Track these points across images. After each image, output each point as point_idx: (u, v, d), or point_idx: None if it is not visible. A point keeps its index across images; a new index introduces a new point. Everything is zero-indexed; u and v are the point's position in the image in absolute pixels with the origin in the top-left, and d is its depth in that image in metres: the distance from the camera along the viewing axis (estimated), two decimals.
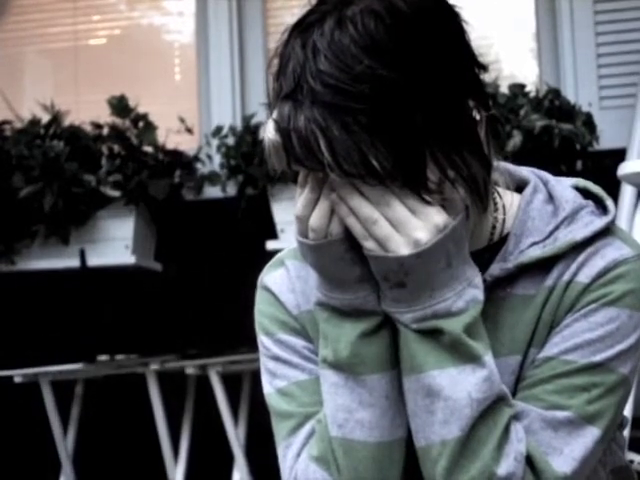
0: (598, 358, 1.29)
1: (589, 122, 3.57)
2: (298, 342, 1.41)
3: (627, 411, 2.36)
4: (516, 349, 1.33)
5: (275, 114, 1.23)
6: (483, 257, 1.33)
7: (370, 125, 1.19)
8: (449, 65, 1.24)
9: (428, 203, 1.23)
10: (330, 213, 1.27)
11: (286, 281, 1.43)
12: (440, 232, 1.24)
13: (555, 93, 3.62)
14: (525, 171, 1.42)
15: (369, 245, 1.25)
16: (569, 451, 1.27)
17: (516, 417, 1.28)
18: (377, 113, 1.19)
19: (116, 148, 3.78)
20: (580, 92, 3.70)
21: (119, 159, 3.76)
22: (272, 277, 1.44)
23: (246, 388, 3.62)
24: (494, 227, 1.37)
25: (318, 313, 1.33)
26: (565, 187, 1.39)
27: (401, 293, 1.26)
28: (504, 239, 1.35)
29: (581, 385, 1.29)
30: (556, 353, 1.30)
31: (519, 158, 3.26)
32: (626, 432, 2.34)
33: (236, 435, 3.44)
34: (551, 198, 1.37)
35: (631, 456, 2.44)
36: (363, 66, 1.19)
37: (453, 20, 1.28)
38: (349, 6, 1.22)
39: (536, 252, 1.33)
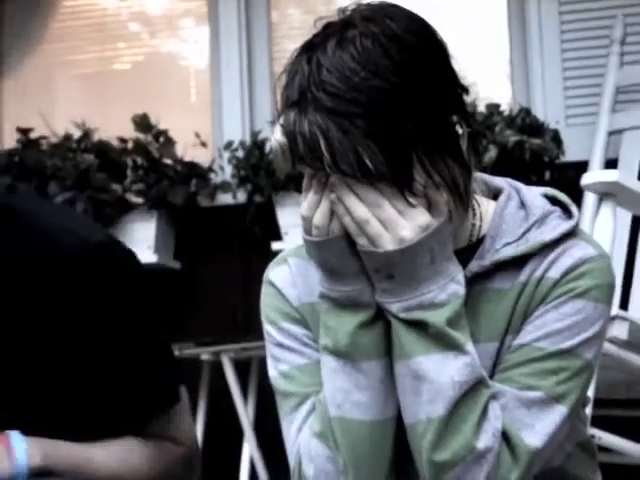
0: (566, 345, 1.30)
1: (556, 138, 3.57)
2: (299, 330, 1.41)
3: (590, 392, 2.36)
4: (493, 336, 1.33)
5: (282, 119, 1.25)
6: (463, 256, 1.33)
7: (365, 128, 1.20)
8: (435, 80, 1.26)
9: (414, 205, 1.24)
10: (331, 213, 1.27)
11: (288, 276, 1.43)
12: (424, 231, 1.25)
13: (526, 112, 3.63)
14: (500, 181, 1.43)
15: (362, 241, 1.26)
16: (540, 427, 1.28)
17: (494, 397, 1.29)
18: (371, 118, 1.20)
19: (139, 160, 3.78)
20: (548, 111, 3.70)
21: (142, 170, 3.76)
22: (276, 273, 1.45)
23: (254, 372, 3.61)
24: (472, 229, 1.37)
25: (320, 305, 1.34)
26: (535, 195, 1.39)
27: (390, 285, 1.27)
28: (481, 240, 1.36)
29: (551, 369, 1.29)
30: (529, 340, 1.31)
31: (495, 170, 3.27)
32: (588, 410, 2.35)
33: (246, 413, 3.45)
34: (523, 205, 1.38)
35: (593, 431, 2.44)
36: (360, 77, 1.21)
37: (439, 45, 1.29)
38: (349, 29, 1.24)
39: (509, 251, 1.33)
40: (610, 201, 2.47)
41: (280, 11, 4.19)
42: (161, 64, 4.30)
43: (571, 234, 1.35)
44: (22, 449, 1.43)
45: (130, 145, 3.82)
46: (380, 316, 1.30)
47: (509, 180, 1.43)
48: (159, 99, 4.16)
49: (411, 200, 1.24)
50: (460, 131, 1.28)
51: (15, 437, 1.44)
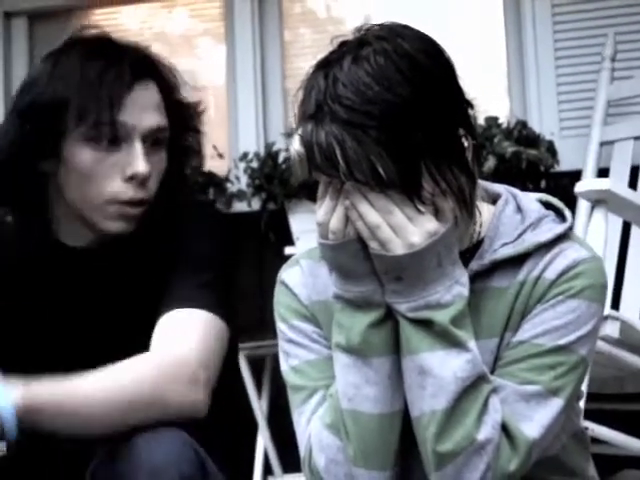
0: (562, 341, 1.30)
1: (551, 148, 3.57)
2: (309, 327, 1.41)
3: (584, 386, 2.36)
4: (494, 333, 1.34)
5: (300, 130, 1.25)
6: (465, 256, 1.33)
7: (378, 139, 1.21)
8: (443, 95, 1.27)
9: (423, 212, 1.25)
10: (345, 218, 1.28)
11: (300, 277, 1.44)
12: (431, 237, 1.25)
13: (523, 124, 3.63)
14: (498, 187, 1.44)
15: (373, 245, 1.27)
16: (538, 419, 1.29)
17: (494, 391, 1.29)
18: (384, 129, 1.21)
19: None
20: (543, 124, 3.70)
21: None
22: (288, 274, 1.45)
23: (268, 368, 3.61)
24: (473, 232, 1.38)
25: (334, 305, 1.34)
26: (531, 200, 1.40)
27: (399, 286, 1.27)
28: (481, 242, 1.36)
29: (548, 364, 1.29)
30: (528, 337, 1.31)
31: (493, 178, 3.25)
32: (582, 404, 2.34)
33: (260, 407, 3.45)
34: (519, 209, 1.38)
35: (586, 424, 2.44)
36: (373, 91, 1.22)
37: (447, 62, 1.30)
38: (364, 47, 1.25)
39: (507, 251, 1.34)
40: (602, 207, 2.48)
41: (292, 31, 4.20)
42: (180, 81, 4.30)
43: (565, 237, 1.35)
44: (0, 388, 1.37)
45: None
46: (390, 316, 1.31)
47: (506, 187, 1.44)
48: None
49: (420, 207, 1.25)
50: (466, 143, 1.29)
51: None
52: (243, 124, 4.02)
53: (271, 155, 3.77)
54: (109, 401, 1.42)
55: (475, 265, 1.33)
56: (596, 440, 2.56)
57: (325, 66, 1.27)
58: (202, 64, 4.35)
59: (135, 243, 1.61)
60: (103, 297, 1.63)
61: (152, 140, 1.58)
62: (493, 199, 1.42)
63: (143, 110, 1.56)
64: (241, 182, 3.86)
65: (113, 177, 1.55)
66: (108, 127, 1.53)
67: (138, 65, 1.58)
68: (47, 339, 1.63)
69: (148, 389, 1.45)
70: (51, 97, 1.53)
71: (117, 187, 1.56)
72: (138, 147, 1.55)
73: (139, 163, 1.54)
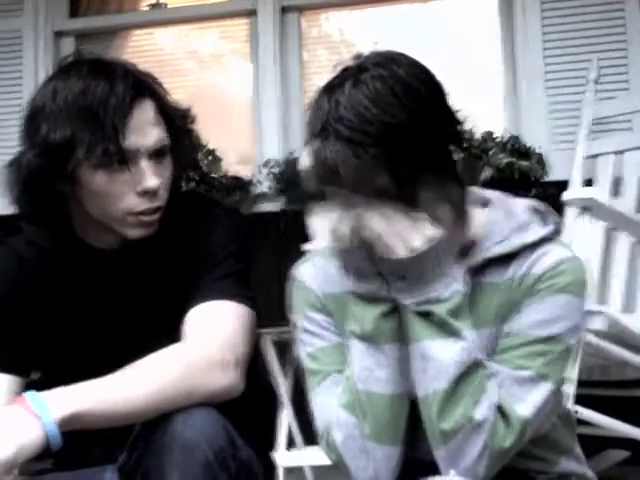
0: (550, 332, 1.32)
1: (541, 160, 3.58)
2: (321, 317, 1.43)
3: (574, 373, 2.36)
4: (488, 323, 1.35)
5: (308, 148, 1.27)
6: (460, 255, 1.35)
7: (376, 155, 1.22)
8: (435, 115, 1.28)
9: (422, 219, 1.26)
10: (353, 226, 1.29)
11: (312, 272, 1.45)
12: (431, 241, 1.27)
13: (516, 139, 3.64)
14: (489, 193, 1.45)
15: (378, 250, 1.28)
16: (530, 400, 1.30)
17: (490, 375, 1.30)
18: (382, 147, 1.22)
19: (191, 174, 3.77)
20: (534, 138, 3.69)
21: (194, 183, 3.76)
22: (301, 270, 1.47)
23: (291, 351, 3.61)
24: (467, 234, 1.38)
25: (349, 298, 1.35)
26: (519, 205, 1.42)
27: (402, 284, 1.29)
28: (474, 242, 1.37)
29: (539, 351, 1.31)
30: (520, 328, 1.33)
31: (489, 186, 3.25)
32: (571, 389, 2.35)
33: (284, 385, 3.44)
34: (508, 213, 1.40)
35: (576, 408, 2.44)
36: (371, 113, 1.23)
37: (437, 86, 1.31)
38: (363, 73, 1.26)
39: (496, 249, 1.35)
40: (587, 214, 2.48)
41: (310, 52, 4.21)
42: (210, 95, 4.32)
43: (549, 239, 1.37)
44: (43, 406, 1.31)
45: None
46: (397, 308, 1.32)
47: (497, 193, 1.45)
48: (208, 124, 4.16)
49: (418, 215, 1.26)
50: (456, 157, 1.30)
51: (32, 397, 1.33)
52: (266, 134, 4.03)
53: (291, 162, 3.78)
54: (147, 399, 1.39)
55: (469, 262, 1.35)
56: (584, 422, 2.57)
57: (329, 90, 1.28)
58: (230, 80, 4.36)
59: (157, 243, 1.61)
60: (130, 295, 1.62)
61: (157, 153, 1.56)
62: (484, 204, 1.43)
63: (145, 129, 1.53)
64: (264, 186, 3.87)
65: (127, 193, 1.53)
66: (115, 155, 1.50)
67: (134, 86, 1.54)
68: (82, 338, 1.62)
69: (183, 382, 1.41)
70: (61, 136, 1.49)
71: (132, 202, 1.54)
72: (145, 165, 1.53)
73: (149, 179, 1.53)
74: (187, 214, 1.65)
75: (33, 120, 1.54)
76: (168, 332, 1.52)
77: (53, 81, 1.56)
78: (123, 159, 1.51)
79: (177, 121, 1.62)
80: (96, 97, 1.50)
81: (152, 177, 1.53)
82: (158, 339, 1.49)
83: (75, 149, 1.48)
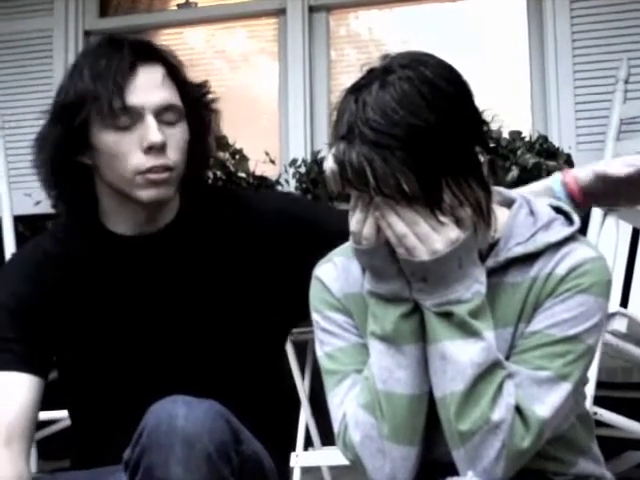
0: (571, 332, 1.30)
1: (569, 160, 3.55)
2: (340, 318, 1.41)
3: (593, 375, 2.36)
4: (509, 323, 1.34)
5: (334, 150, 1.26)
6: (482, 255, 1.34)
7: (402, 158, 1.21)
8: (461, 117, 1.27)
9: (445, 222, 1.25)
10: (376, 227, 1.29)
11: (333, 272, 1.44)
12: (453, 244, 1.26)
13: (544, 139, 3.61)
14: (513, 193, 1.44)
15: (401, 251, 1.28)
16: (549, 401, 1.29)
17: (510, 376, 1.29)
18: (408, 150, 1.21)
19: (219, 174, 3.80)
20: (562, 138, 3.68)
21: (221, 182, 3.78)
22: (322, 270, 1.45)
23: (310, 351, 3.62)
24: (490, 234, 1.37)
25: (368, 299, 1.35)
26: (543, 205, 1.40)
27: (424, 285, 1.29)
28: (497, 242, 1.36)
29: (559, 352, 1.30)
30: (540, 328, 1.32)
31: (516, 186, 3.24)
32: (592, 390, 2.34)
33: (302, 386, 3.46)
34: (532, 212, 1.38)
35: (595, 409, 2.43)
36: (399, 116, 1.22)
37: (464, 86, 1.30)
38: (390, 74, 1.25)
39: (520, 249, 1.34)
40: (613, 215, 2.47)
41: (338, 51, 4.21)
42: (239, 94, 4.32)
43: (573, 238, 1.35)
44: None
45: (211, 161, 3.83)
46: (418, 308, 1.32)
47: (521, 193, 1.44)
48: (236, 123, 4.18)
49: (441, 218, 1.26)
50: (482, 159, 1.29)
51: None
52: (293, 133, 4.04)
53: (317, 161, 3.78)
54: None
55: (491, 262, 1.34)
56: (604, 424, 2.56)
57: (355, 91, 1.27)
58: (258, 79, 4.38)
59: (177, 230, 1.65)
60: (154, 283, 1.64)
61: (166, 114, 1.60)
62: (508, 204, 1.42)
63: (150, 89, 1.58)
64: (290, 185, 3.88)
65: (134, 151, 1.57)
66: (121, 110, 1.56)
67: (140, 50, 1.61)
68: (115, 328, 1.64)
69: None
70: (72, 95, 1.58)
71: (139, 159, 1.57)
72: (150, 121, 1.57)
73: (152, 134, 1.56)
74: (203, 202, 1.70)
75: (55, 98, 1.64)
76: (207, 321, 1.59)
77: (75, 61, 1.65)
78: (130, 118, 1.57)
79: (190, 89, 1.67)
80: (104, 59, 1.58)
81: (156, 132, 1.57)
82: (192, 326, 1.58)
83: (84, 107, 1.56)
